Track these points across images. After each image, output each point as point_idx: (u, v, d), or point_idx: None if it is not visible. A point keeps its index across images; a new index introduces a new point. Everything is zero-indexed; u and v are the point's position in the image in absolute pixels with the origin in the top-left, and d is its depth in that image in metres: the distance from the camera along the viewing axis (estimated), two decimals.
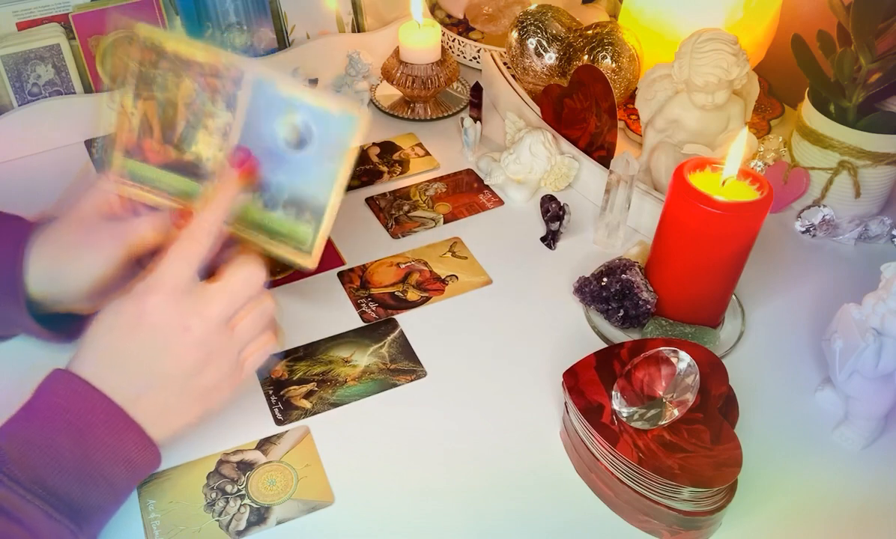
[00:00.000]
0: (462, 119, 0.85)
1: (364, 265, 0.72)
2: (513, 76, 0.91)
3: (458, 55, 1.02)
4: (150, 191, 0.57)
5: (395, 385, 0.61)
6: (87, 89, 0.86)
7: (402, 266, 0.72)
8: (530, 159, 0.79)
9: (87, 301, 0.56)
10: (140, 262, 0.60)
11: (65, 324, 0.57)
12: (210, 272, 0.52)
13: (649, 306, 0.63)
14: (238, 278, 0.50)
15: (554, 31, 0.88)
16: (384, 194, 0.80)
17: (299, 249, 0.56)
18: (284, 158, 0.54)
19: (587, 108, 0.79)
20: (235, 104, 0.54)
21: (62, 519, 0.44)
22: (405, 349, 0.64)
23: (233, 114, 0.54)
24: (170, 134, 0.56)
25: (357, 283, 0.70)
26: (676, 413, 0.50)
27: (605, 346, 0.61)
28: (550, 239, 0.74)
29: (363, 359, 0.63)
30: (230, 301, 0.49)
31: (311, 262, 0.56)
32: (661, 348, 0.53)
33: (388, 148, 0.87)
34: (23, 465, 0.44)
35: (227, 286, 0.49)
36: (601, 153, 0.79)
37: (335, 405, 0.59)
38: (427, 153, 0.86)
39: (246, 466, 0.55)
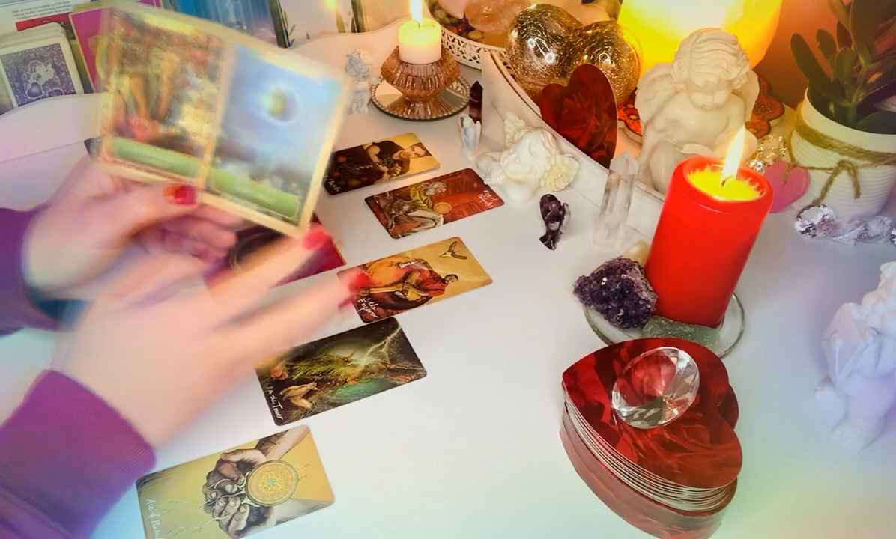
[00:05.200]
0: (462, 119, 0.85)
1: (364, 265, 0.72)
2: (512, 76, 0.91)
3: (458, 55, 1.02)
4: (141, 167, 0.57)
5: (394, 385, 0.61)
6: (87, 89, 0.86)
7: (402, 266, 0.72)
8: (530, 159, 0.79)
9: (88, 285, 0.56)
10: (140, 241, 0.60)
11: (66, 311, 0.57)
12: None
13: (649, 306, 0.63)
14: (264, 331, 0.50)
15: (554, 31, 0.88)
16: (384, 194, 0.80)
17: (287, 220, 0.55)
18: (271, 128, 0.53)
19: (587, 107, 0.79)
20: (218, 75, 0.54)
21: (56, 524, 0.43)
22: (405, 349, 0.64)
23: (216, 85, 0.54)
24: (156, 109, 0.55)
25: None
26: (676, 413, 0.50)
27: (605, 345, 0.61)
28: (550, 239, 0.74)
29: (363, 358, 0.63)
30: (257, 349, 0.50)
31: (300, 233, 0.55)
32: (661, 348, 0.53)
33: (387, 148, 0.87)
34: (16, 471, 0.44)
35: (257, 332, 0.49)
36: (601, 153, 0.79)
37: (335, 405, 0.59)
38: (427, 153, 0.86)
39: (246, 466, 0.55)
